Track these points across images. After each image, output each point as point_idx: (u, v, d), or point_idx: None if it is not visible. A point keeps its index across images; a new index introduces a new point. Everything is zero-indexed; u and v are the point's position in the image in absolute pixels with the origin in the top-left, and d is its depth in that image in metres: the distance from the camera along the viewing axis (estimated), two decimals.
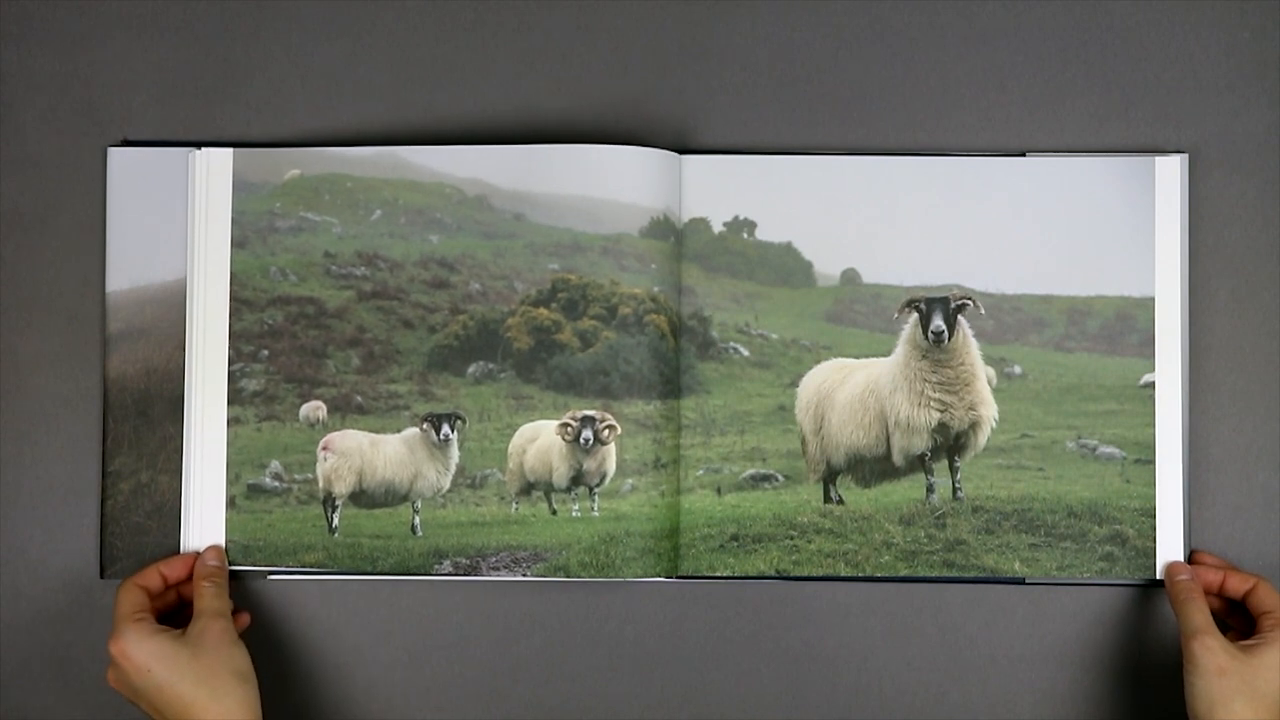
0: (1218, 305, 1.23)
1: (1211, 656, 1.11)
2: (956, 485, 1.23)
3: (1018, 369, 1.24)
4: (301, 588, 1.23)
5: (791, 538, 1.23)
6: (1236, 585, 1.17)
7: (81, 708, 1.23)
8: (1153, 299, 1.22)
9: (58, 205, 1.24)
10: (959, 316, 1.23)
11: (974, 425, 1.24)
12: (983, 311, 1.23)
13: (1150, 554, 1.21)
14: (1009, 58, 1.25)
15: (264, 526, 1.22)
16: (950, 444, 1.24)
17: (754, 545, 1.22)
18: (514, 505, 1.24)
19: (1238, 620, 1.19)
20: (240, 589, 1.22)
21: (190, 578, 1.19)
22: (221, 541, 1.21)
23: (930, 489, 1.24)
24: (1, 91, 1.25)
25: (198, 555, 1.20)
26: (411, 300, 1.24)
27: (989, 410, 1.23)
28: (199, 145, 1.24)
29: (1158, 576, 1.21)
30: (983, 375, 1.24)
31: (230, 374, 1.23)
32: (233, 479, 1.22)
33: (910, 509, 1.23)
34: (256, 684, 1.13)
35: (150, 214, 1.24)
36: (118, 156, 1.24)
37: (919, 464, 1.24)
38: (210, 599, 1.16)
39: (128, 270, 1.24)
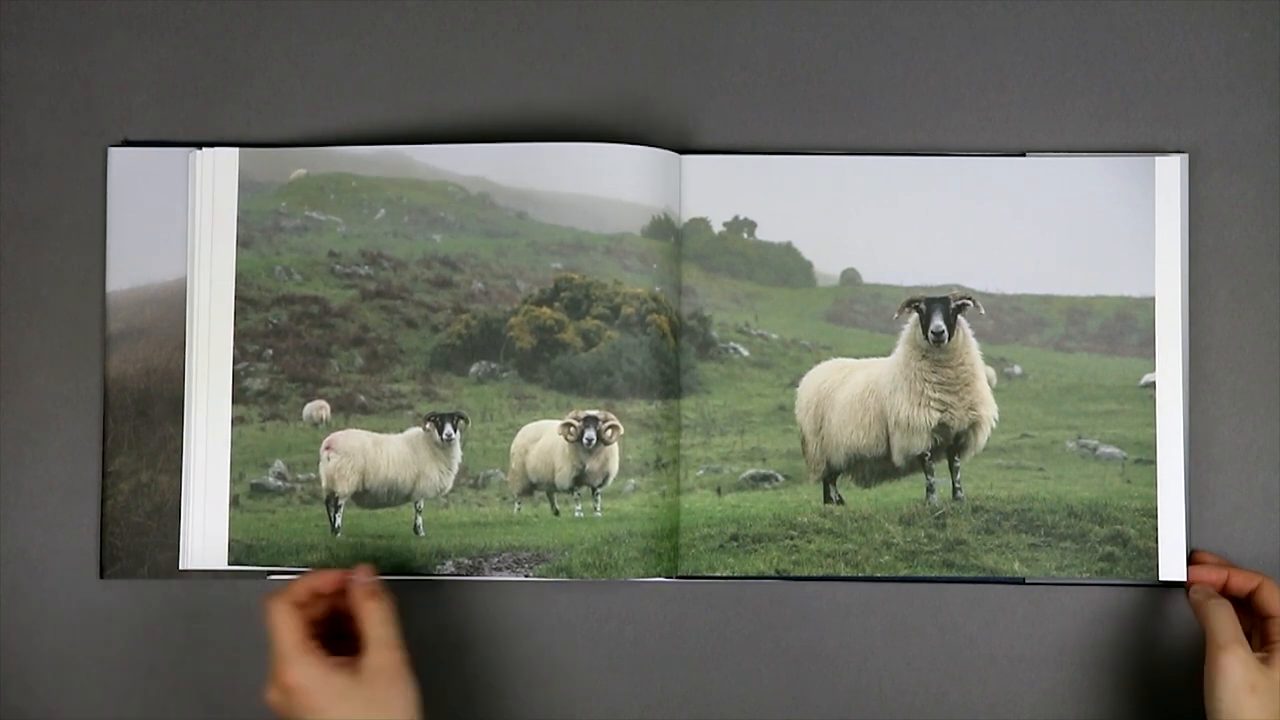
0: (1218, 305, 1.23)
1: (1245, 671, 1.10)
2: (956, 485, 1.23)
3: (1018, 369, 1.24)
4: None
5: (791, 538, 1.22)
6: (1240, 584, 1.16)
7: (81, 708, 1.23)
8: (1153, 299, 1.22)
9: (58, 205, 1.24)
10: (959, 316, 1.23)
11: (974, 425, 1.24)
12: (983, 311, 1.23)
13: (1151, 554, 1.21)
14: (1009, 58, 1.25)
15: (267, 526, 1.22)
16: (950, 444, 1.24)
17: (754, 545, 1.22)
18: (516, 505, 1.24)
19: (1240, 619, 1.18)
20: (241, 589, 1.22)
21: (337, 592, 1.15)
22: (224, 541, 1.21)
23: (930, 489, 1.24)
24: (1, 91, 1.25)
25: (343, 571, 1.16)
26: (415, 299, 1.24)
27: (989, 410, 1.23)
28: (199, 145, 1.24)
29: (1160, 577, 1.21)
30: (983, 375, 1.24)
31: (235, 373, 1.23)
32: (236, 478, 1.22)
33: (910, 509, 1.23)
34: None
35: (150, 214, 1.24)
36: (118, 156, 1.24)
37: (919, 464, 1.24)
38: (379, 625, 1.11)
39: (128, 270, 1.24)
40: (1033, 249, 1.24)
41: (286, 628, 1.10)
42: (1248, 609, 1.17)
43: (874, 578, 1.22)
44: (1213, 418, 1.23)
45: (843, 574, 1.22)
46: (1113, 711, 1.23)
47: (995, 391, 1.23)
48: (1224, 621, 1.13)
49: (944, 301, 1.23)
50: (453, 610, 1.23)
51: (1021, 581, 1.22)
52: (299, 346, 1.24)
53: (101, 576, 1.23)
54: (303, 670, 1.08)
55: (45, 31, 1.25)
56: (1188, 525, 1.21)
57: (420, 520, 1.23)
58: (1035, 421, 1.24)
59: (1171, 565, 1.21)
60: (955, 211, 1.24)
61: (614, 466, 1.22)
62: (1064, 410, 1.23)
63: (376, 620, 1.11)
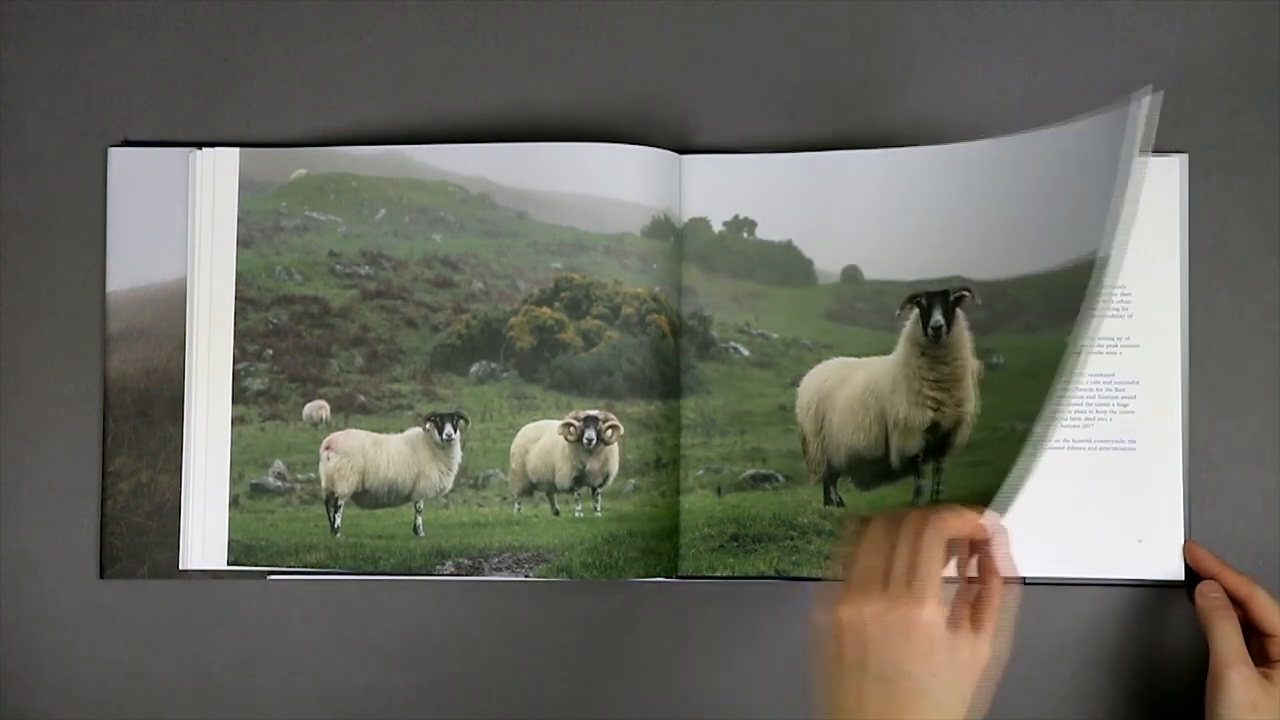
0: (1218, 305, 1.23)
1: (1246, 690, 1.10)
2: (939, 487, 1.21)
3: (999, 359, 1.23)
4: (302, 587, 1.23)
5: (791, 538, 1.22)
6: (1230, 585, 1.15)
7: (81, 708, 1.23)
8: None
9: (58, 205, 1.24)
10: (957, 310, 1.22)
11: (958, 423, 1.22)
12: (979, 301, 1.22)
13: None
14: (1009, 58, 1.25)
15: (266, 526, 1.22)
16: (938, 444, 1.23)
17: (754, 545, 1.22)
18: (516, 506, 1.24)
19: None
20: (241, 589, 1.22)
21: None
22: (224, 541, 1.22)
23: (918, 491, 1.23)
24: (1, 91, 1.25)
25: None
26: (415, 299, 1.24)
27: (971, 407, 1.22)
28: (199, 145, 1.24)
29: (1160, 577, 1.21)
30: (971, 370, 1.22)
31: (235, 373, 1.23)
32: (236, 478, 1.22)
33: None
34: None
35: (150, 214, 1.24)
36: (118, 156, 1.24)
37: (911, 466, 1.23)
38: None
39: (128, 270, 1.24)
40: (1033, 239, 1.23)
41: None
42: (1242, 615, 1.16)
43: None
44: (1212, 417, 1.23)
45: (842, 574, 1.21)
46: (1113, 711, 1.22)
47: (980, 383, 1.22)
48: (1230, 638, 1.12)
49: (943, 295, 1.22)
50: (453, 610, 1.23)
51: (1022, 581, 1.22)
52: (299, 346, 1.24)
53: (101, 576, 1.23)
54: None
55: (45, 31, 1.25)
56: (1187, 525, 1.21)
57: (420, 520, 1.23)
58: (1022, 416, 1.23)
59: (1170, 565, 1.21)
60: (955, 205, 1.23)
61: (614, 466, 1.21)
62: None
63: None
